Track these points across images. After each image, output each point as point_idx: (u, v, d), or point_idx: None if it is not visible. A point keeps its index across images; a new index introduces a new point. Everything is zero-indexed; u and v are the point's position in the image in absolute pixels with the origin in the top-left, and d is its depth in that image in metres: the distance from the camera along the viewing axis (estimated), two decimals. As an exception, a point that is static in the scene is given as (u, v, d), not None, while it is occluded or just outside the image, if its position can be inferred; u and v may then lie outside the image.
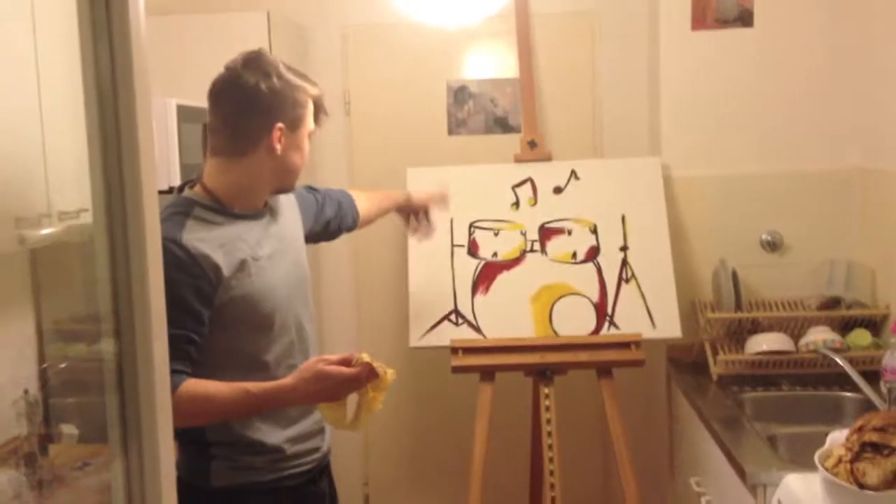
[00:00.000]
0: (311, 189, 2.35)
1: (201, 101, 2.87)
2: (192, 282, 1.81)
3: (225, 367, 1.86)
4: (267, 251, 1.96)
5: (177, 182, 2.67)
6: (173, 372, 1.65)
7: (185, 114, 2.70)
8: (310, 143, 2.03)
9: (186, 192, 1.97)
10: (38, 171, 2.06)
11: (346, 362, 1.84)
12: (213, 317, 1.86)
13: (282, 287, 1.97)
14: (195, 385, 1.79)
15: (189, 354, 1.82)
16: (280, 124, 1.92)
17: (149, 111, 1.10)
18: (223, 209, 1.93)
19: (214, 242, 1.86)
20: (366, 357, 1.84)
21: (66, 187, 2.02)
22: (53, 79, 1.97)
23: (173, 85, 2.94)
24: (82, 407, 2.53)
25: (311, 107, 1.99)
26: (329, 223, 2.38)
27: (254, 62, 1.94)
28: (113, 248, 1.10)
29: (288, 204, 2.15)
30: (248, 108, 1.91)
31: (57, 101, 1.92)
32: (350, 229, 2.49)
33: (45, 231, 2.03)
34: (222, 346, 1.88)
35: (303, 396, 1.84)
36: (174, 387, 1.62)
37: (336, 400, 1.86)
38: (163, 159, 2.63)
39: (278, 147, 1.93)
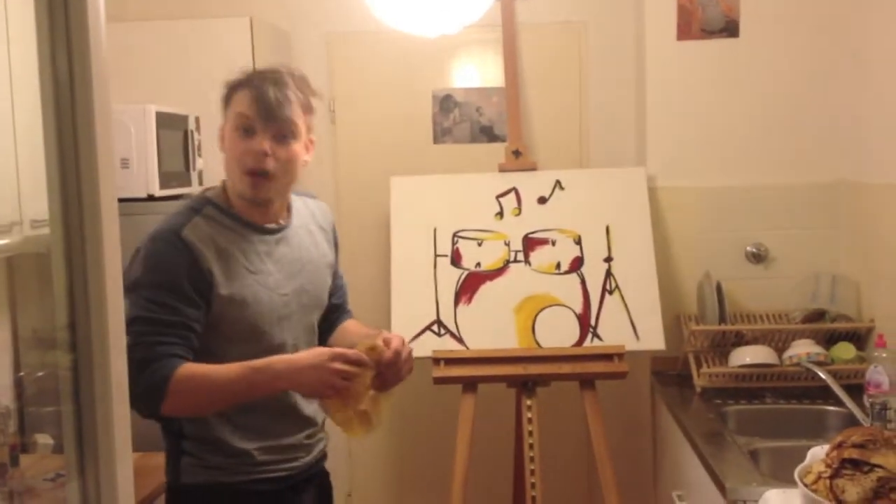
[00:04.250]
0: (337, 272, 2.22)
1: (182, 107, 2.86)
2: (188, 272, 1.79)
3: None
4: (266, 268, 1.91)
5: (156, 190, 2.65)
6: (172, 356, 1.71)
7: (164, 120, 2.67)
8: (243, 137, 1.87)
9: (209, 192, 1.96)
10: (10, 180, 2.03)
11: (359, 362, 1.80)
12: (207, 322, 1.84)
13: (277, 309, 1.92)
14: (193, 366, 1.76)
15: (189, 341, 1.79)
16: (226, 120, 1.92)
17: (108, 120, 1.08)
18: (233, 214, 1.91)
19: (213, 243, 1.85)
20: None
21: (38, 196, 2.00)
22: (24, 87, 1.95)
23: (154, 91, 2.92)
24: (59, 416, 2.50)
25: (233, 95, 1.91)
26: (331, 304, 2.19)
27: None
28: (70, 259, 1.07)
29: (321, 237, 2.09)
30: None
31: (28, 110, 1.90)
32: (328, 326, 2.19)
33: (16, 239, 2.01)
34: (217, 358, 1.84)
35: (299, 382, 1.81)
36: (171, 369, 1.69)
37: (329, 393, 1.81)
38: (141, 166, 2.60)
39: (220, 144, 1.93)
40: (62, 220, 1.07)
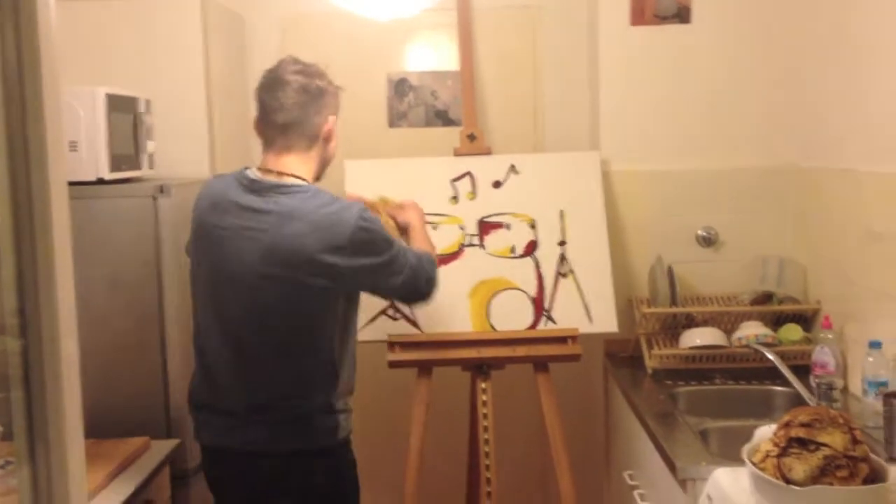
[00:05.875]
0: None
1: (132, 89, 2.82)
2: None
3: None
4: None
5: (106, 173, 2.60)
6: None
7: (114, 103, 2.62)
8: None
9: (292, 181, 2.23)
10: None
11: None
12: None
13: None
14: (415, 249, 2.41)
15: None
16: (333, 116, 2.28)
17: (57, 102, 1.06)
18: None
19: None
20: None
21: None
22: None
23: (103, 73, 2.87)
24: (9, 403, 2.46)
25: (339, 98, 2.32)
26: None
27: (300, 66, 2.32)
28: (19, 243, 1.05)
29: None
30: (312, 103, 2.24)
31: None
32: None
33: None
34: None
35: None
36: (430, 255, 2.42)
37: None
38: (91, 149, 2.55)
39: (334, 138, 2.30)
40: (11, 204, 1.05)
